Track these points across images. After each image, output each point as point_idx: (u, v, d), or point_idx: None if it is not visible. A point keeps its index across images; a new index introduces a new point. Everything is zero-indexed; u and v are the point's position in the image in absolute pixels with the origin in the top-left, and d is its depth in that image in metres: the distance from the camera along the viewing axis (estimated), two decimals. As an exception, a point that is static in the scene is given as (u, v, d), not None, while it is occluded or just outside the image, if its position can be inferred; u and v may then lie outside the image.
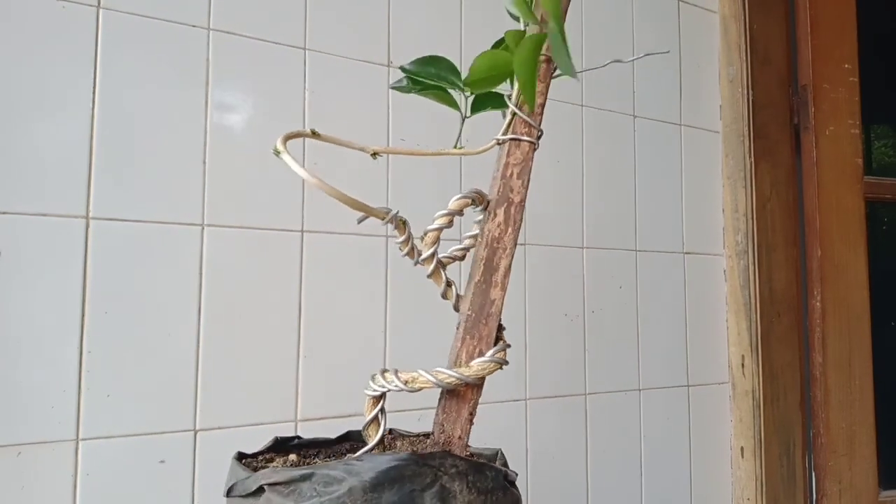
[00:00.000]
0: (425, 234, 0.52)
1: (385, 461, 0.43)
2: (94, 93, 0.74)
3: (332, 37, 0.88)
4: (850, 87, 1.26)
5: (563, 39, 0.41)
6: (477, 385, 0.50)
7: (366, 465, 0.43)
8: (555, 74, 0.53)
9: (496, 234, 0.51)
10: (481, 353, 0.50)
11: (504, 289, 0.51)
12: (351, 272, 0.86)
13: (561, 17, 0.45)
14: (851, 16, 1.28)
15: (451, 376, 0.48)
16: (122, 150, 0.75)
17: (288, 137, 0.49)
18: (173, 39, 0.78)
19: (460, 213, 0.52)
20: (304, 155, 0.85)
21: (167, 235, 0.76)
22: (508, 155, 0.52)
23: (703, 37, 1.23)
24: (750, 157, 1.17)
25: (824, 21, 1.25)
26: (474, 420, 0.51)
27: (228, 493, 0.48)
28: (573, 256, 1.04)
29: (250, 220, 0.81)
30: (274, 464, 0.53)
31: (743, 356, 1.16)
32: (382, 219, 0.50)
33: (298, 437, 0.59)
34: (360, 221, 0.51)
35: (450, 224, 0.52)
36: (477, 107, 0.57)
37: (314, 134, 0.52)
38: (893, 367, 1.34)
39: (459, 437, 0.50)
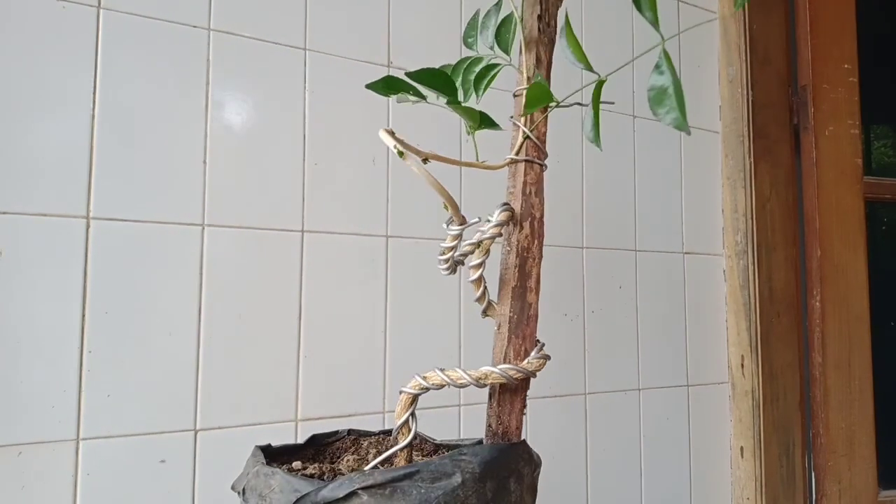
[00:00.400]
0: (479, 243, 0.57)
1: (485, 452, 0.47)
2: (94, 93, 0.74)
3: (333, 37, 0.88)
4: (850, 88, 1.26)
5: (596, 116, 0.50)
6: (526, 379, 0.54)
7: (476, 459, 0.46)
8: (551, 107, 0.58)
9: (525, 245, 0.56)
10: (527, 352, 0.54)
11: (538, 294, 0.56)
12: (351, 272, 0.86)
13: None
14: (851, 16, 1.28)
15: (518, 371, 0.52)
16: (122, 151, 0.75)
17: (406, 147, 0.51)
18: (174, 40, 0.78)
19: (507, 223, 0.56)
20: (304, 155, 0.85)
21: (167, 235, 0.76)
22: (525, 174, 0.57)
23: (703, 37, 1.23)
24: (749, 157, 1.17)
25: (824, 21, 1.25)
26: (523, 412, 0.55)
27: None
28: (573, 256, 1.04)
29: (250, 220, 0.81)
30: (312, 468, 0.54)
31: (742, 356, 1.16)
32: (466, 223, 0.56)
33: (336, 433, 0.62)
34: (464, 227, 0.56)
35: (500, 234, 0.57)
36: (481, 124, 0.62)
37: (426, 160, 0.54)
38: (893, 368, 1.34)
39: (517, 428, 0.54)
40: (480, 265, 0.56)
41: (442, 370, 0.52)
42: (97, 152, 0.74)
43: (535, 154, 0.58)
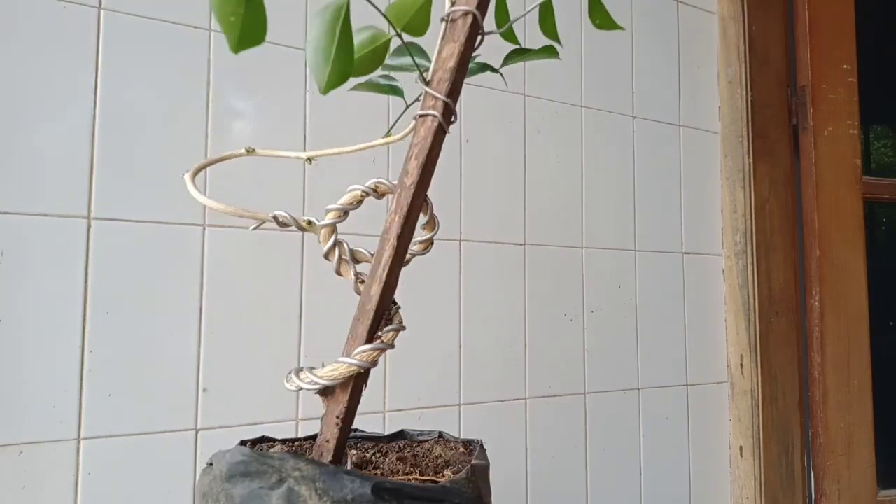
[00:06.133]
0: (320, 229, 0.50)
1: (235, 454, 0.44)
2: (95, 93, 0.74)
3: (333, 37, 0.88)
4: (849, 88, 1.26)
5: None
6: (343, 387, 0.47)
7: (227, 457, 0.44)
8: (480, 33, 0.46)
9: (387, 225, 0.47)
10: (350, 354, 0.47)
11: (382, 283, 0.46)
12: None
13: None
14: (850, 16, 1.28)
15: (307, 377, 0.47)
16: (123, 151, 0.75)
17: (203, 166, 0.49)
18: (175, 40, 0.79)
19: (354, 205, 0.49)
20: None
21: (168, 235, 0.76)
22: (414, 135, 0.46)
23: (702, 37, 1.23)
24: (749, 157, 1.17)
25: (823, 22, 1.26)
26: (343, 423, 0.48)
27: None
28: (572, 256, 1.05)
29: (251, 220, 0.81)
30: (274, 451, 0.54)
31: (742, 356, 1.17)
32: (271, 222, 0.49)
33: (357, 430, 0.61)
34: (253, 229, 0.51)
35: (342, 218, 0.49)
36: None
37: (249, 152, 0.51)
38: (892, 367, 1.34)
39: (327, 441, 0.47)
40: (333, 249, 0.50)
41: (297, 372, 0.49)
42: (98, 152, 0.74)
43: (430, 104, 0.45)
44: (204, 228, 0.79)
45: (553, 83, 1.04)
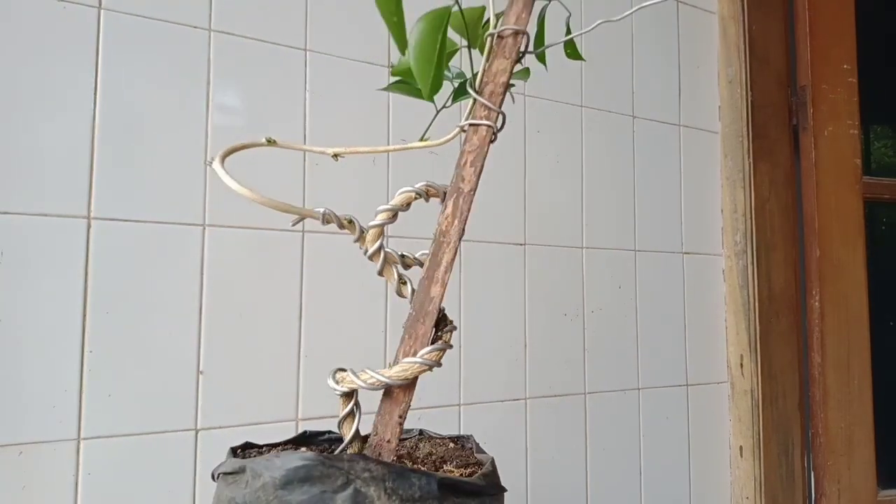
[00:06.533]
0: (367, 230, 0.51)
1: (294, 459, 0.43)
2: (95, 93, 0.74)
3: (333, 38, 0.88)
4: (849, 88, 1.26)
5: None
6: (406, 386, 0.48)
7: (278, 462, 0.43)
8: (526, 51, 0.50)
9: (443, 228, 0.48)
10: (416, 354, 0.48)
11: (444, 285, 0.48)
12: (351, 272, 0.87)
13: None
14: (850, 16, 1.28)
15: (373, 377, 0.47)
16: (123, 151, 0.75)
17: (231, 151, 0.49)
18: (174, 40, 0.79)
19: (405, 207, 0.50)
20: (304, 156, 0.85)
21: (168, 235, 0.76)
22: (466, 142, 0.49)
23: (702, 37, 1.23)
24: (749, 157, 1.17)
25: (823, 22, 1.26)
26: (404, 422, 0.49)
27: (213, 478, 0.49)
28: (573, 256, 1.05)
29: (251, 220, 0.81)
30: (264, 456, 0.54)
31: (742, 356, 1.17)
32: (318, 219, 0.49)
33: (330, 432, 0.59)
34: (293, 224, 0.51)
35: (392, 219, 0.50)
36: (459, 94, 0.54)
37: (270, 142, 0.51)
38: (892, 367, 1.34)
39: (388, 441, 0.48)
40: (378, 252, 0.50)
41: (334, 373, 0.49)
42: (98, 152, 0.74)
43: (482, 115, 0.48)
44: (204, 228, 0.79)
45: (553, 83, 1.04)
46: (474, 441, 0.60)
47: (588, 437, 1.03)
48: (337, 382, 0.49)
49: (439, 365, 0.48)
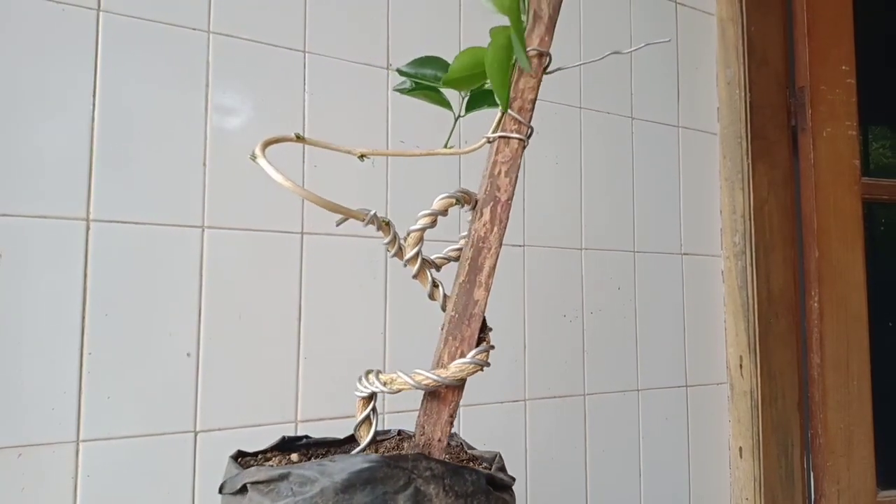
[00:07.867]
0: (408, 234, 0.52)
1: (357, 462, 0.43)
2: (94, 95, 0.74)
3: (332, 39, 0.88)
4: (848, 89, 1.26)
5: (520, 34, 0.43)
6: (457, 387, 0.50)
7: (338, 466, 0.43)
8: (548, 70, 0.53)
9: (482, 234, 0.51)
10: (462, 355, 0.50)
11: (488, 289, 0.51)
12: (351, 273, 0.87)
13: (516, 9, 0.46)
14: (849, 17, 1.29)
15: (427, 378, 0.49)
16: (122, 153, 0.75)
17: (270, 142, 0.49)
18: (173, 42, 0.79)
19: (444, 213, 0.52)
20: (303, 157, 0.85)
21: (168, 237, 0.76)
22: (497, 153, 0.51)
23: (701, 39, 1.23)
24: (747, 158, 1.18)
25: (822, 23, 1.26)
26: (454, 422, 0.51)
27: (220, 490, 0.49)
28: (572, 257, 1.05)
29: (250, 221, 0.81)
30: (270, 462, 0.53)
31: (741, 357, 1.17)
32: (362, 220, 0.50)
33: (307, 437, 0.59)
34: (338, 224, 0.52)
35: (433, 224, 0.52)
36: (472, 105, 0.57)
37: (299, 138, 0.52)
38: (891, 368, 1.34)
39: (439, 440, 0.50)
40: (416, 257, 0.52)
41: (368, 374, 0.50)
42: (97, 154, 0.74)
43: (513, 128, 0.51)
44: (203, 230, 0.79)
45: (552, 84, 1.04)
46: (459, 438, 0.60)
47: (588, 439, 1.03)
48: (384, 384, 0.49)
49: (488, 364, 0.50)
